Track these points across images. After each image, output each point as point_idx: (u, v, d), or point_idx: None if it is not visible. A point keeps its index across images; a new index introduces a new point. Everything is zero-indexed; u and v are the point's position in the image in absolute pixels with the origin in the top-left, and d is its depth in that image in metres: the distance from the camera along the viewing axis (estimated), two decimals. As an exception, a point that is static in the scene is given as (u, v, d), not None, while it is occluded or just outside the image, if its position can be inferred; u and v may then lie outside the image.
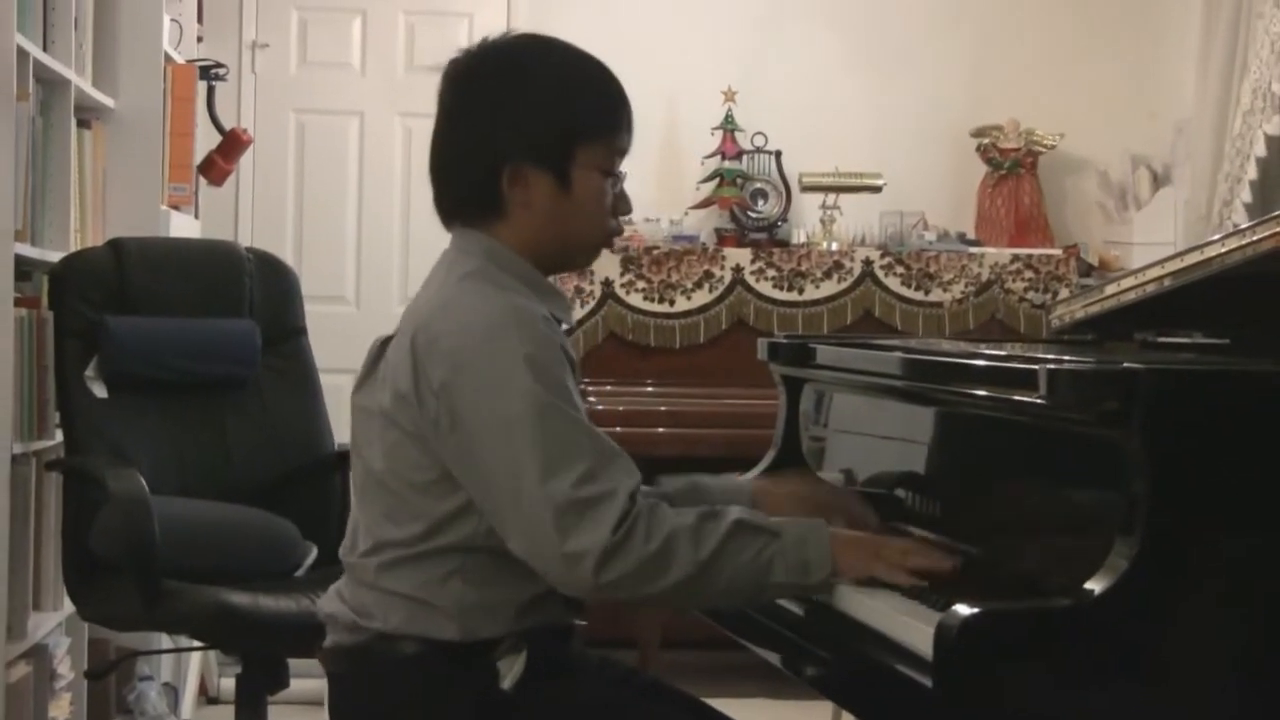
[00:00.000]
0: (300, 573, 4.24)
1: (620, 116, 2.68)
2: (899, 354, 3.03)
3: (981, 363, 2.75)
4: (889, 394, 3.08)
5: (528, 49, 2.69)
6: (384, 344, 2.65)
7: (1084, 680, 2.22)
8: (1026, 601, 2.29)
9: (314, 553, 4.29)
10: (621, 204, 2.70)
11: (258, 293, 4.61)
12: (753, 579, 2.47)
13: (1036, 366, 2.42)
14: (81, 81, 4.80)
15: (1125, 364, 2.36)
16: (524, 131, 2.60)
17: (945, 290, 6.50)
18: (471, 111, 2.64)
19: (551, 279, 2.69)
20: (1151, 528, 2.24)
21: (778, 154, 6.80)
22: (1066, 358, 2.56)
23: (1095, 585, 2.24)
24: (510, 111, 2.60)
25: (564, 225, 2.64)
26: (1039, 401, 2.41)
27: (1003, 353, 2.99)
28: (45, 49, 4.49)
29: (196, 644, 4.62)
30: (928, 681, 2.25)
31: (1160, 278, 3.15)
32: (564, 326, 2.65)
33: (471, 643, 2.54)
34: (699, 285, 6.44)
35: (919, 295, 6.49)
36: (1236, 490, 2.32)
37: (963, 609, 2.22)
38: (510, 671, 2.54)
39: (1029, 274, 6.52)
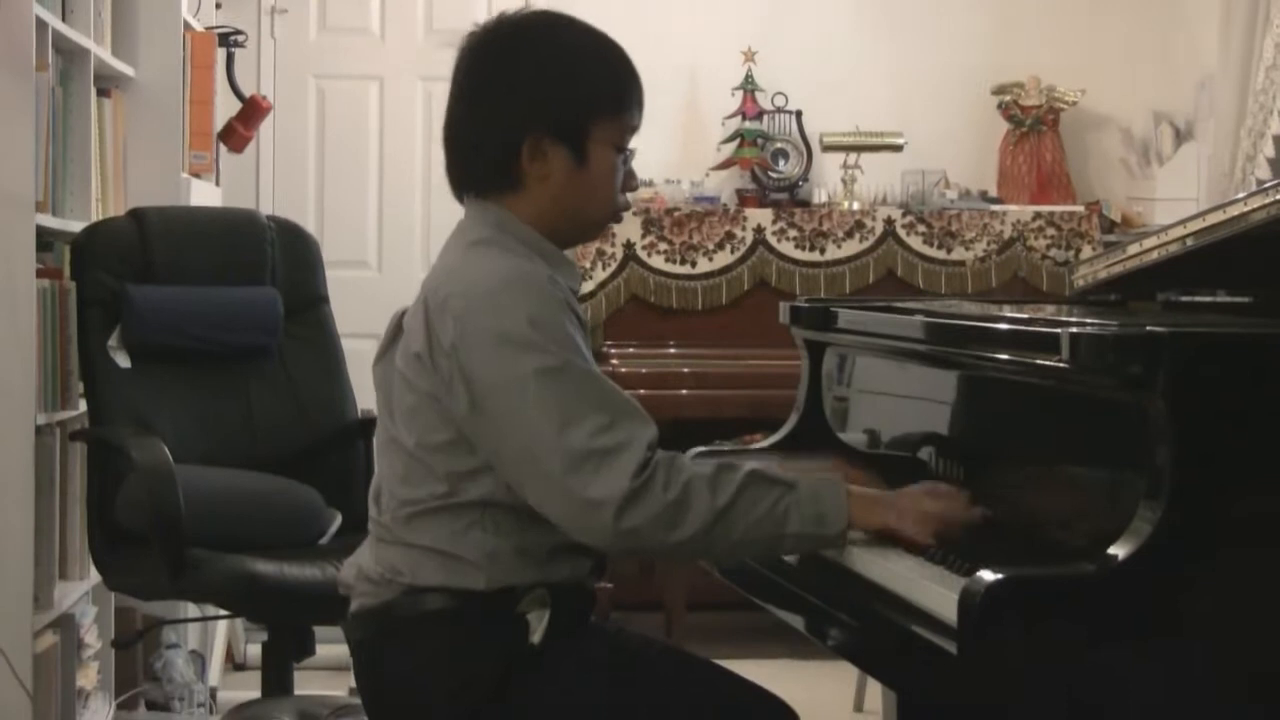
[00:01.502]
0: (325, 540, 4.25)
1: (634, 93, 2.71)
2: (921, 317, 3.02)
3: (1004, 326, 2.75)
4: (911, 357, 3.08)
5: (545, 25, 2.72)
6: (402, 315, 2.68)
7: (1108, 645, 2.21)
8: (1051, 567, 2.28)
9: (338, 520, 4.31)
10: (630, 180, 2.73)
11: (279, 261, 4.61)
12: (769, 530, 2.50)
13: (1059, 330, 2.41)
14: (101, 51, 4.80)
15: (1148, 327, 2.35)
16: (545, 106, 2.62)
17: (967, 249, 6.49)
18: (491, 85, 2.66)
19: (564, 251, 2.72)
20: (1175, 492, 2.24)
21: (798, 114, 6.78)
22: (1089, 321, 2.55)
23: (1119, 550, 2.23)
24: (531, 86, 2.63)
25: (577, 199, 2.67)
26: (1062, 365, 2.41)
27: (1025, 316, 2.98)
28: (64, 19, 4.49)
29: (223, 612, 4.64)
30: (952, 647, 2.25)
31: (1183, 237, 3.14)
32: (575, 293, 2.67)
33: (498, 591, 2.56)
34: (720, 246, 6.44)
35: (941, 254, 6.48)
36: (1261, 453, 2.31)
37: (987, 574, 2.21)
38: (539, 625, 2.57)
39: (1051, 231, 6.51)
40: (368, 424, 4.55)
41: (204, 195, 5.50)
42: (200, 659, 5.19)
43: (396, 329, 2.68)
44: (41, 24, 4.17)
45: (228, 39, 5.96)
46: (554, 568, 2.60)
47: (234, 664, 5.79)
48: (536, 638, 2.56)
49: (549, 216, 2.66)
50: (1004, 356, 2.66)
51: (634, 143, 2.73)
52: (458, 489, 2.56)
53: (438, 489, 2.57)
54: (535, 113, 2.62)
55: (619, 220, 2.83)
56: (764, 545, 2.57)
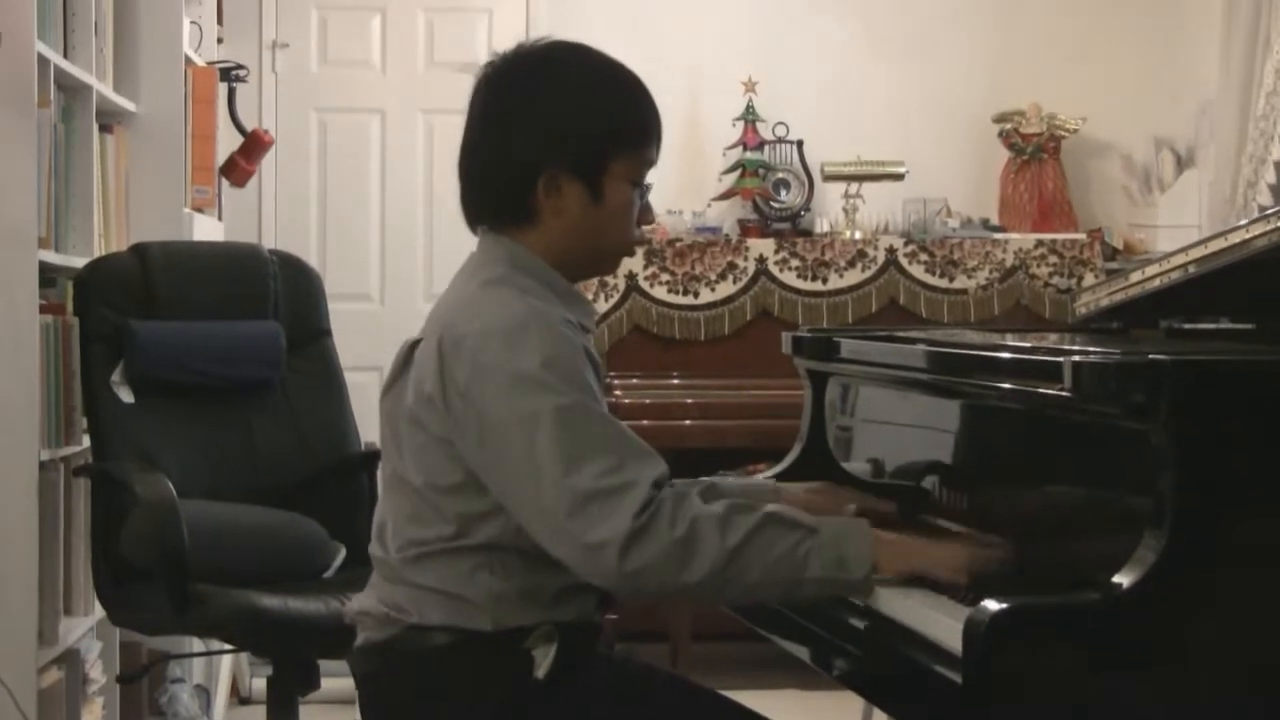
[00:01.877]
0: (329, 574, 4.25)
1: (653, 129, 2.70)
2: (923, 346, 3.02)
3: (1006, 355, 2.74)
4: (914, 386, 3.08)
5: (563, 57, 2.69)
6: (412, 348, 2.65)
7: (1114, 673, 2.21)
8: (1055, 596, 2.27)
9: (342, 553, 4.30)
10: (645, 214, 2.71)
11: (282, 295, 4.62)
12: (787, 573, 2.45)
13: (1061, 359, 2.41)
14: (102, 86, 4.82)
15: (1151, 355, 2.34)
16: (562, 141, 2.60)
17: (970, 277, 6.49)
18: (508, 118, 2.64)
19: (576, 285, 2.70)
20: (1180, 520, 2.23)
21: (799, 143, 6.79)
22: (1092, 349, 2.55)
23: (1124, 579, 2.22)
24: (548, 120, 2.61)
25: (592, 234, 2.65)
26: (1064, 394, 2.41)
27: (1027, 344, 2.98)
28: (66, 55, 4.50)
29: (228, 647, 4.63)
30: (957, 677, 2.24)
31: (1185, 264, 3.14)
32: (589, 332, 2.66)
33: (504, 632, 2.55)
34: (723, 277, 6.44)
35: (943, 283, 6.48)
36: (1265, 482, 2.31)
37: (991, 604, 2.21)
38: (544, 661, 2.55)
39: (1053, 259, 6.51)
40: (371, 457, 4.56)
41: (206, 230, 5.51)
42: (205, 693, 5.19)
43: (405, 361, 2.65)
44: (43, 60, 4.18)
45: (229, 74, 5.97)
46: (561, 608, 2.58)
47: (239, 698, 5.78)
48: (541, 673, 2.54)
49: (563, 251, 2.64)
50: (1007, 385, 2.66)
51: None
52: (465, 531, 2.54)
53: (445, 530, 2.55)
54: (552, 147, 2.60)
55: (633, 254, 2.82)
56: (782, 589, 2.50)
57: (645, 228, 2.76)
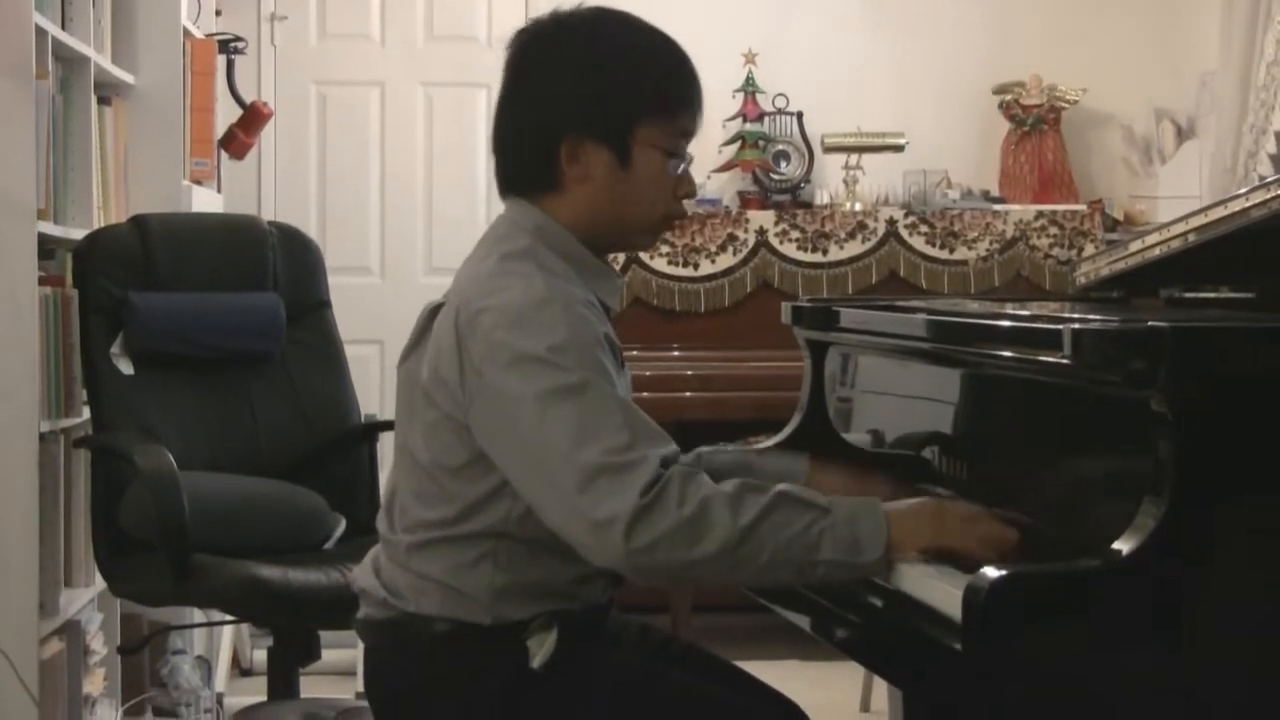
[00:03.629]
0: (329, 545, 4.26)
1: (686, 96, 2.65)
2: (923, 315, 3.02)
3: (1006, 323, 2.74)
4: (914, 356, 3.08)
5: (596, 22, 2.65)
6: (433, 313, 2.62)
7: (1113, 641, 2.22)
8: (1054, 563, 2.28)
9: (342, 525, 4.31)
10: (684, 186, 2.66)
11: (281, 267, 4.62)
12: (799, 555, 2.39)
13: (1061, 326, 2.41)
14: (101, 58, 4.81)
15: (1151, 322, 2.34)
16: (584, 105, 2.57)
17: (970, 248, 6.49)
18: (533, 83, 2.61)
19: (606, 259, 2.67)
20: (1179, 487, 2.24)
21: (799, 115, 6.79)
22: (1092, 317, 2.55)
23: (1123, 545, 2.23)
24: (571, 84, 2.58)
25: (621, 203, 2.61)
26: (1064, 362, 2.40)
27: (1027, 313, 2.98)
28: (64, 27, 4.49)
29: (228, 617, 4.64)
30: (956, 644, 2.25)
31: (1185, 233, 3.14)
32: (611, 310, 2.64)
33: (502, 625, 2.54)
34: (723, 249, 6.44)
35: (944, 254, 6.48)
36: (1264, 448, 2.31)
37: (990, 571, 2.21)
38: (540, 650, 2.53)
39: (1054, 230, 6.51)
40: (371, 429, 4.57)
41: (205, 202, 5.51)
42: (206, 664, 5.19)
43: (425, 327, 2.62)
44: (41, 32, 4.17)
45: (228, 46, 5.96)
46: (565, 599, 2.57)
47: (240, 669, 5.80)
48: (537, 662, 2.52)
49: (589, 220, 2.60)
50: (1007, 354, 2.66)
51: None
52: (468, 515, 2.52)
53: (448, 513, 2.54)
54: (574, 112, 2.57)
55: (670, 228, 2.77)
56: (794, 570, 2.42)
57: (686, 200, 2.70)
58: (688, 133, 2.66)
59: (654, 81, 2.63)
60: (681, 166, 2.66)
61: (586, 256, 2.62)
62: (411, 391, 2.61)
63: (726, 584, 2.70)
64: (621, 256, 6.31)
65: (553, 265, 2.55)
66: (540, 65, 2.62)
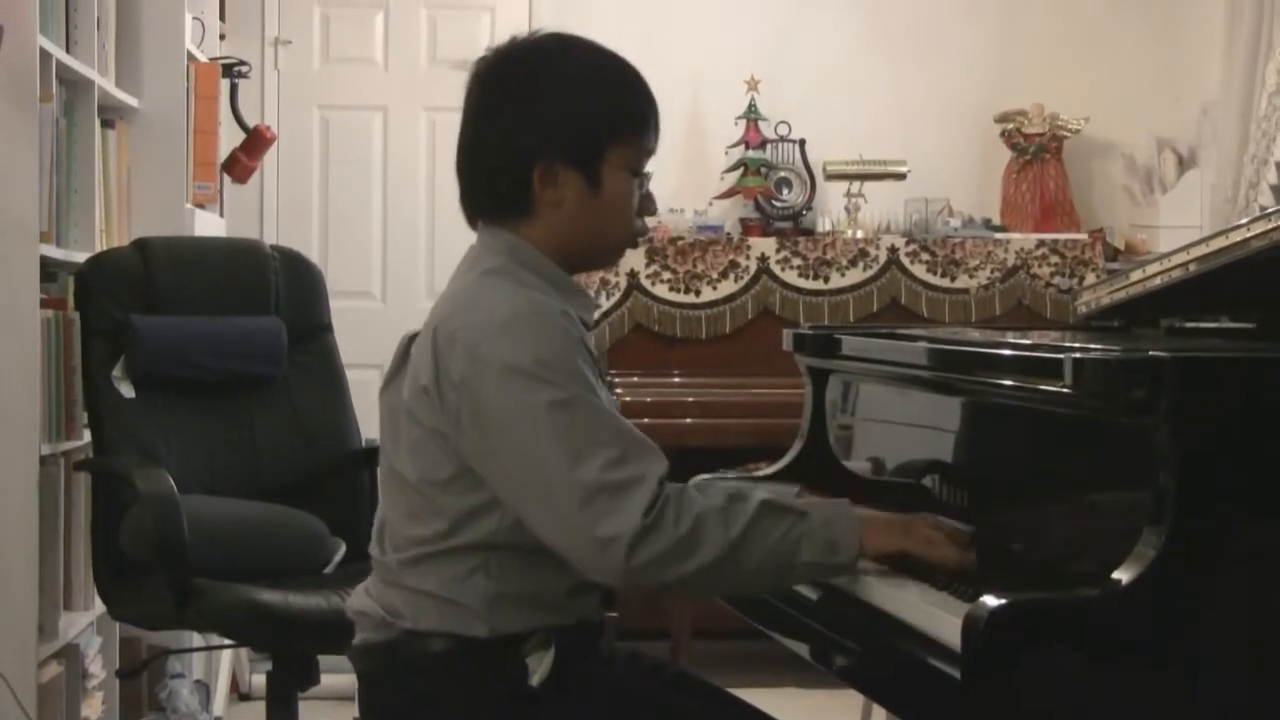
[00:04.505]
0: (329, 569, 4.25)
1: (650, 116, 2.67)
2: (924, 344, 3.03)
3: (1007, 352, 2.75)
4: (915, 384, 3.08)
5: (556, 48, 2.67)
6: (410, 341, 2.64)
7: (1112, 670, 2.21)
8: (1054, 592, 2.28)
9: (343, 549, 4.31)
10: (647, 204, 2.69)
11: (283, 290, 4.62)
12: (781, 559, 2.47)
13: (1062, 355, 2.42)
14: (105, 82, 4.82)
15: (1151, 352, 2.35)
16: (556, 131, 2.58)
17: (971, 277, 6.50)
18: (502, 110, 2.62)
19: (577, 278, 2.69)
20: (1179, 517, 2.24)
21: (801, 142, 6.80)
22: (1093, 346, 2.56)
23: (1123, 575, 2.23)
24: (542, 110, 2.59)
25: (592, 225, 2.63)
26: (1065, 390, 2.41)
27: (1028, 341, 2.99)
28: (68, 50, 4.50)
29: (228, 642, 4.63)
30: (956, 672, 2.25)
31: (1185, 263, 3.14)
32: (589, 327, 2.65)
33: (500, 639, 2.54)
34: (724, 275, 6.45)
35: (945, 282, 6.49)
36: (1265, 478, 2.31)
37: (990, 599, 2.21)
38: (539, 668, 2.53)
39: (1055, 259, 6.52)
40: (371, 453, 4.56)
41: (208, 225, 5.52)
42: (205, 689, 5.19)
43: (404, 355, 2.64)
44: (45, 55, 4.18)
45: (231, 70, 5.98)
46: (559, 612, 2.58)
47: (239, 694, 5.79)
48: (536, 680, 2.53)
49: (562, 242, 2.62)
50: (1008, 382, 2.67)
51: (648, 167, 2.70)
52: (460, 528, 2.53)
53: (440, 527, 2.54)
54: (547, 138, 2.58)
55: (635, 245, 2.81)
56: (776, 575, 2.53)
57: (648, 219, 2.73)
58: (651, 151, 2.68)
59: (622, 104, 2.65)
60: (644, 185, 2.69)
61: (559, 274, 2.64)
62: (394, 417, 2.62)
63: (711, 593, 2.76)
64: (623, 283, 6.33)
65: (528, 281, 2.58)
66: (507, 93, 2.63)
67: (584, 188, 2.60)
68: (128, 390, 4.30)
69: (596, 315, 6.20)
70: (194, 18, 5.61)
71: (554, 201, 2.60)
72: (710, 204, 6.76)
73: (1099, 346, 2.54)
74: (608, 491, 2.39)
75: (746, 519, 2.45)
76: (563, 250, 2.63)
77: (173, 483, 3.93)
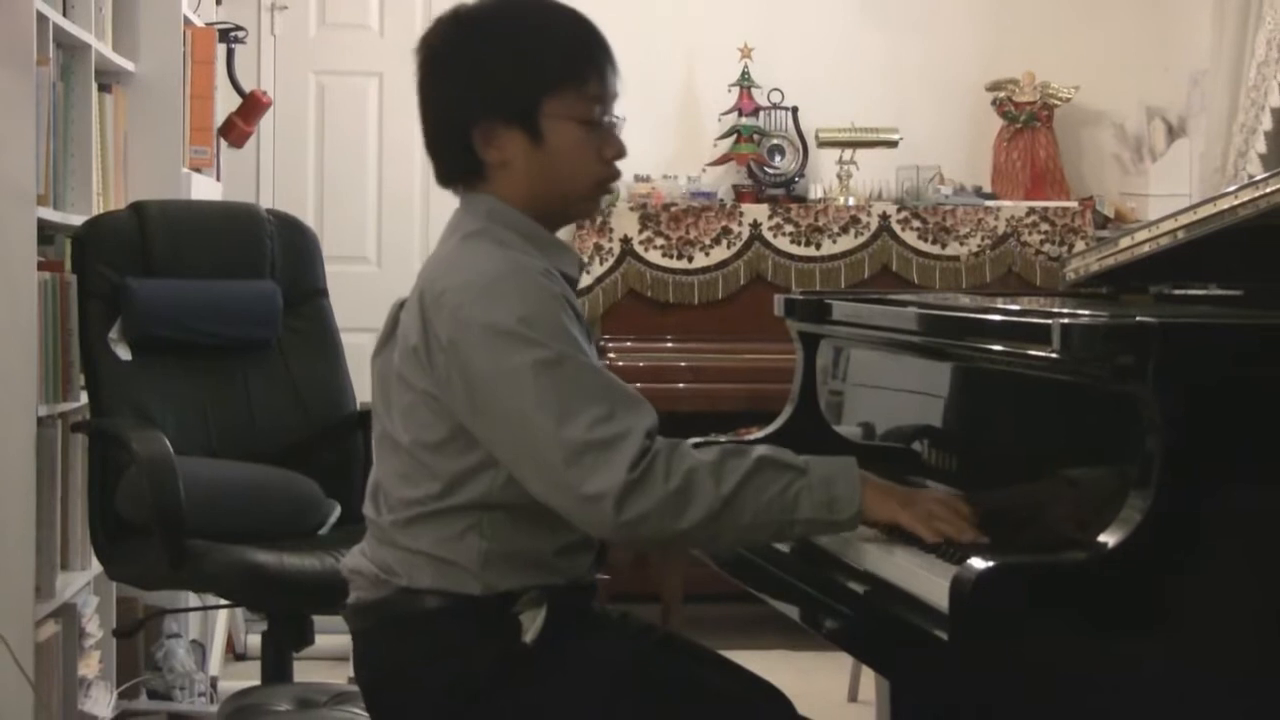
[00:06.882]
0: (324, 531, 4.28)
1: (591, 61, 2.65)
2: (914, 309, 3.04)
3: (996, 317, 2.75)
4: (905, 349, 3.09)
5: (490, 10, 2.67)
6: (400, 307, 2.67)
7: (1099, 633, 2.24)
8: (1042, 555, 2.30)
9: (337, 511, 4.33)
10: (610, 148, 2.66)
11: (279, 254, 4.64)
12: (778, 515, 2.48)
13: (1050, 321, 2.43)
14: (101, 46, 4.82)
15: (1139, 317, 2.37)
16: (485, 91, 2.60)
17: (962, 244, 6.53)
18: (438, 79, 2.66)
19: (564, 236, 2.71)
20: (1166, 481, 2.26)
21: (794, 110, 6.81)
22: (1081, 312, 2.58)
23: (1109, 538, 2.25)
24: (470, 73, 2.61)
25: (547, 179, 2.63)
26: (1053, 356, 2.43)
27: (1017, 307, 3.00)
28: (65, 14, 4.51)
29: (223, 602, 4.66)
30: (944, 634, 2.27)
31: (1174, 230, 3.17)
32: (575, 282, 2.67)
33: (493, 596, 2.57)
34: (717, 241, 6.48)
35: (935, 249, 6.52)
36: (1251, 443, 2.34)
37: (978, 562, 2.23)
38: (531, 626, 2.56)
39: (1045, 227, 6.55)
40: (366, 416, 4.57)
41: (204, 190, 5.53)
42: (201, 648, 5.22)
43: (394, 321, 2.67)
44: (42, 19, 4.19)
45: (228, 34, 5.98)
46: (551, 571, 2.60)
47: (234, 654, 5.82)
48: (529, 637, 2.56)
49: (526, 200, 2.63)
50: (997, 347, 2.68)
51: (631, 130, 2.69)
52: (454, 489, 2.55)
53: (434, 489, 2.56)
54: (477, 99, 2.60)
55: (607, 191, 2.78)
56: (773, 530, 2.54)
57: (624, 168, 2.73)
58: (602, 97, 2.65)
59: (550, 55, 2.63)
60: (603, 130, 2.66)
61: (541, 232, 2.66)
62: (386, 382, 2.65)
63: (709, 547, 2.77)
64: (616, 249, 6.35)
65: (510, 241, 2.59)
66: (442, 61, 2.66)
67: (527, 144, 2.61)
68: (124, 353, 4.32)
69: (590, 280, 6.24)
70: (190, -18, 5.62)
71: (500, 162, 2.62)
72: (703, 171, 6.78)
73: (1087, 312, 2.55)
74: (594, 449, 2.41)
75: (741, 474, 2.46)
76: (533, 206, 2.64)
77: (169, 445, 3.95)
